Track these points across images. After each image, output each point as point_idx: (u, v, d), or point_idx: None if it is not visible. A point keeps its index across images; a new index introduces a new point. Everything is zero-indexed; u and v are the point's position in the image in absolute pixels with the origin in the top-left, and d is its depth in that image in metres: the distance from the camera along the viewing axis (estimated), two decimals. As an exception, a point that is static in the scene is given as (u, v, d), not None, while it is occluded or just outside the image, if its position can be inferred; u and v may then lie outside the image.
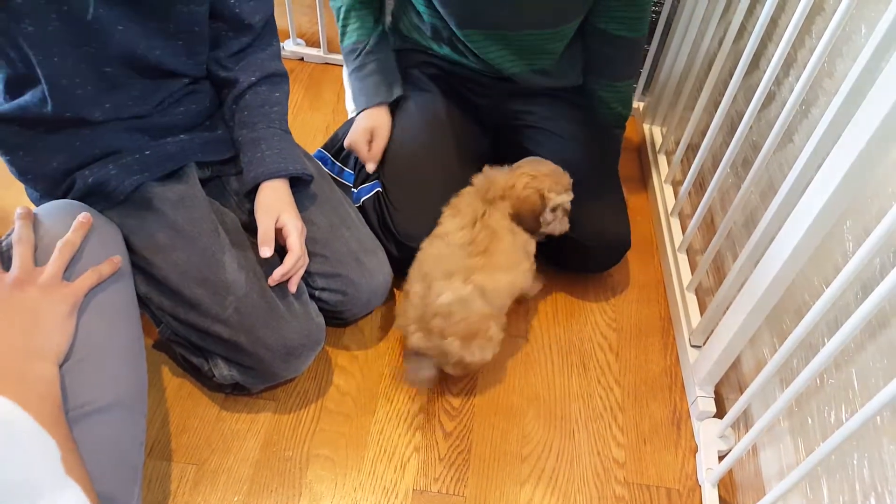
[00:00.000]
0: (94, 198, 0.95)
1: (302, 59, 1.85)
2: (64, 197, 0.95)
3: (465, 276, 1.05)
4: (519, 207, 1.12)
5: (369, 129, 1.27)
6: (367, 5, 1.29)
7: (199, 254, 0.96)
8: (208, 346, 1.00)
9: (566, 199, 1.15)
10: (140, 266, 0.97)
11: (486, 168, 1.18)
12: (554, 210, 1.15)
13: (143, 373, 0.87)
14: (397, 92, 1.30)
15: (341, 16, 1.30)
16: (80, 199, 0.94)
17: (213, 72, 1.05)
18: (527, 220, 1.13)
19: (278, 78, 1.08)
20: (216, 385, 1.07)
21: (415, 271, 1.11)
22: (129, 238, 0.96)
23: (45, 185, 0.96)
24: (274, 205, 1.01)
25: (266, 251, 0.98)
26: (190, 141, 1.03)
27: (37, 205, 0.97)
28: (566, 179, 1.17)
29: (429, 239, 1.13)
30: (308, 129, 1.62)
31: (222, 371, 1.02)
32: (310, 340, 1.02)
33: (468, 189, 1.17)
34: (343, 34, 1.32)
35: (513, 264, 1.12)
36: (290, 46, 1.83)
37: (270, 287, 0.99)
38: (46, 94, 0.86)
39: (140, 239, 0.96)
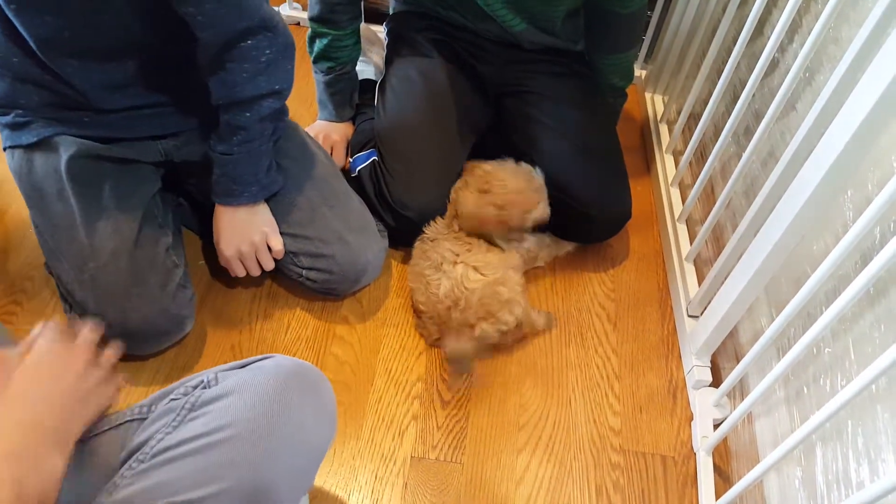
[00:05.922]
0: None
1: (298, 23, 1.82)
2: None
3: (452, 259, 1.10)
4: (482, 229, 1.14)
5: (329, 140, 1.35)
6: (350, 36, 1.28)
7: (74, 212, 0.98)
8: (69, 297, 1.02)
9: (539, 212, 1.16)
10: (34, 203, 1.01)
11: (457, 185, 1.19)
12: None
13: None
14: (351, 111, 1.40)
15: (318, 32, 1.27)
16: None
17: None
18: (498, 234, 1.15)
19: (257, 102, 0.95)
20: None
21: (414, 282, 1.15)
22: (30, 175, 0.99)
23: None
24: (221, 233, 1.06)
25: (237, 274, 1.09)
26: (139, 114, 1.03)
27: None
28: (533, 197, 1.16)
29: (418, 240, 1.18)
30: (303, 97, 1.60)
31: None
32: (154, 330, 1.00)
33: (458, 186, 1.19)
34: (314, 46, 1.29)
35: (498, 252, 1.15)
36: (286, 11, 1.80)
37: (141, 266, 0.99)
38: None
39: (37, 180, 1.00)
